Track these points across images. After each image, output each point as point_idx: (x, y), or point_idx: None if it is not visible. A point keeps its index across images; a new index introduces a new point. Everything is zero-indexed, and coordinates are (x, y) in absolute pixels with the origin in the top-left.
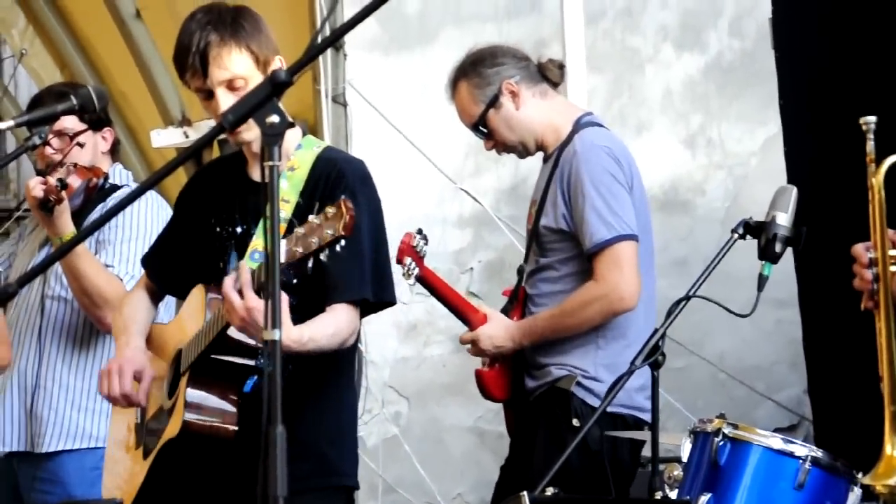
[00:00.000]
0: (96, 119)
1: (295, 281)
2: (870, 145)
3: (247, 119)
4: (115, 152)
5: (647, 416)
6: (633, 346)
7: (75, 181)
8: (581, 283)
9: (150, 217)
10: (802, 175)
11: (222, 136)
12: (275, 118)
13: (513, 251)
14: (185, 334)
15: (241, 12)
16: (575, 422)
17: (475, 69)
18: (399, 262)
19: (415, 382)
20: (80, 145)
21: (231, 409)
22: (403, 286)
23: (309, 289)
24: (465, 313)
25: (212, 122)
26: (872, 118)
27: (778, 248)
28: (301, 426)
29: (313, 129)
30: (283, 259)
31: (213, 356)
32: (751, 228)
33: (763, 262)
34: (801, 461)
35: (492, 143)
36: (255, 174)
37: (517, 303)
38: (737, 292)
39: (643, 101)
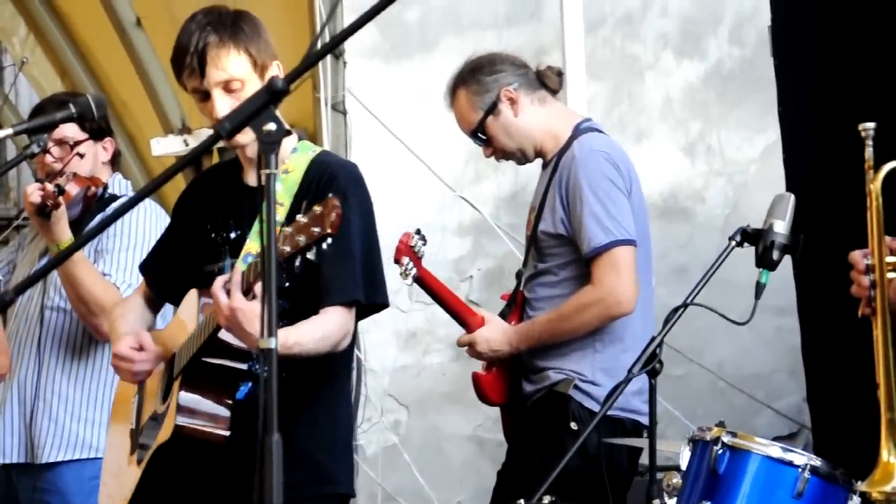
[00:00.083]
0: (97, 128)
1: (287, 284)
2: (868, 151)
3: (244, 127)
4: (115, 163)
5: (644, 420)
6: (631, 350)
7: (73, 188)
8: (579, 287)
9: (148, 226)
10: (801, 182)
11: (221, 144)
12: (272, 126)
13: (512, 259)
14: (179, 339)
15: (241, 15)
16: (573, 425)
17: (474, 76)
18: (397, 261)
19: (414, 391)
20: (80, 155)
21: (223, 413)
22: (403, 295)
23: (301, 293)
24: (462, 316)
25: (212, 132)
26: (871, 124)
27: (775, 255)
28: (295, 434)
29: (313, 137)
30: None
31: (204, 359)
32: (748, 236)
33: (760, 269)
34: (799, 470)
35: (491, 150)
36: (250, 179)
37: (515, 307)
38: (736, 300)
39: (643, 109)
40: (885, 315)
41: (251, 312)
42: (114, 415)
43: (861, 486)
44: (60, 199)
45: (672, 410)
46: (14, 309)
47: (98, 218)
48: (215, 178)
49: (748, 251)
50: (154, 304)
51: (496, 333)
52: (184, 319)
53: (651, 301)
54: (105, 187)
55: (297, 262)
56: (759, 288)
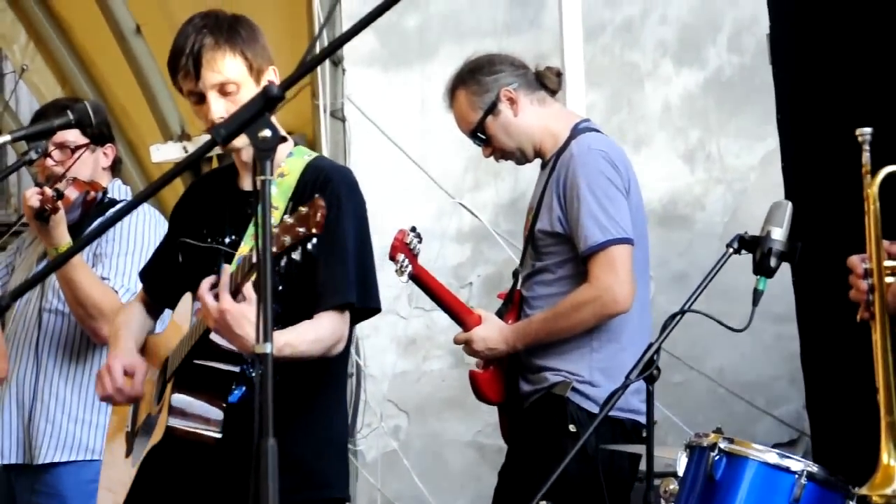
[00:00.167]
0: (98, 134)
1: (280, 288)
2: (865, 156)
3: (239, 134)
4: (115, 169)
5: (643, 419)
6: (628, 349)
7: (72, 193)
8: (576, 285)
9: (147, 231)
10: (800, 190)
11: (218, 151)
12: (267, 132)
13: (512, 265)
14: (174, 342)
15: (238, 20)
16: (572, 428)
17: (473, 77)
18: (392, 258)
19: (414, 397)
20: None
21: (216, 415)
22: (403, 301)
23: (295, 297)
24: (459, 314)
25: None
26: (868, 129)
27: (773, 262)
28: (289, 438)
29: (311, 144)
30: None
31: (196, 362)
32: (746, 243)
33: (758, 276)
34: (796, 476)
35: (490, 150)
36: (246, 184)
37: (512, 306)
38: (736, 307)
39: (642, 117)
40: (884, 319)
41: (240, 314)
42: (113, 417)
43: (862, 489)
44: (59, 203)
45: (672, 417)
46: (12, 312)
47: (97, 223)
48: (211, 183)
49: (748, 259)
50: (153, 310)
51: (493, 332)
52: (178, 322)
53: (648, 301)
54: (104, 192)
55: (283, 262)
56: (757, 295)
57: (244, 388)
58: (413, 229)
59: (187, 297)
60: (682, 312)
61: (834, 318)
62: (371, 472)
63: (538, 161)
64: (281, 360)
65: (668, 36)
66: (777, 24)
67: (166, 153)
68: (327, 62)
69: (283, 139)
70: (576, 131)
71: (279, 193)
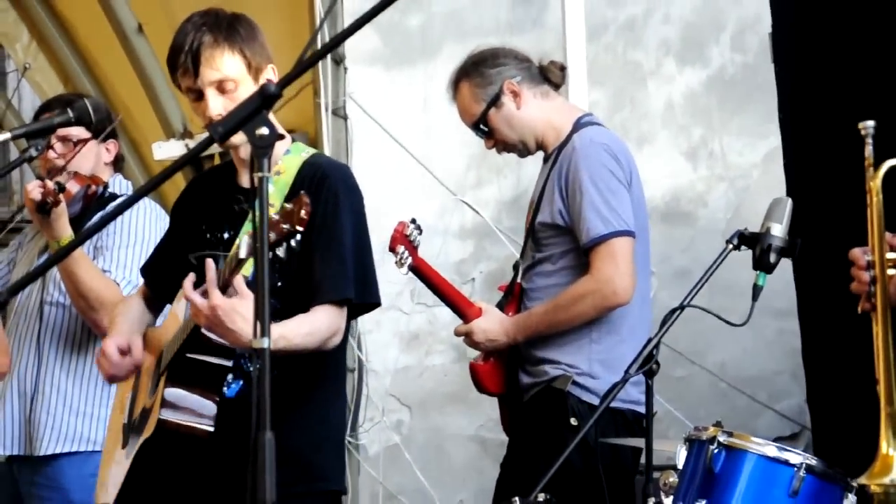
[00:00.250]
0: (101, 129)
1: (279, 284)
2: (868, 149)
3: (236, 131)
4: (118, 166)
5: (643, 409)
6: (628, 341)
7: (74, 186)
8: (576, 277)
9: (147, 225)
10: (801, 187)
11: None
12: (264, 130)
13: (514, 262)
14: (171, 334)
15: (238, 18)
16: (573, 421)
17: (477, 69)
18: (392, 250)
19: (416, 391)
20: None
21: (209, 408)
22: (405, 296)
23: (293, 293)
24: (459, 306)
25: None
26: (871, 122)
27: (772, 258)
28: (285, 432)
29: (314, 142)
30: (243, 254)
31: (189, 355)
32: (746, 239)
33: (757, 272)
34: (795, 469)
35: (492, 143)
36: (244, 181)
37: (512, 297)
38: (738, 302)
39: (645, 115)
40: (886, 310)
41: (231, 309)
42: (114, 409)
43: (861, 479)
44: (61, 196)
45: (673, 412)
46: (14, 305)
47: (98, 216)
48: (211, 179)
49: (750, 255)
50: (154, 306)
51: (493, 324)
52: (177, 314)
53: (648, 294)
54: (105, 186)
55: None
56: (756, 290)
57: (241, 383)
58: (413, 221)
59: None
60: (682, 307)
61: (835, 314)
62: (373, 465)
63: (541, 157)
64: (276, 353)
65: (671, 35)
66: (779, 23)
67: (168, 151)
68: (329, 60)
69: (281, 137)
70: (578, 125)
71: (275, 191)
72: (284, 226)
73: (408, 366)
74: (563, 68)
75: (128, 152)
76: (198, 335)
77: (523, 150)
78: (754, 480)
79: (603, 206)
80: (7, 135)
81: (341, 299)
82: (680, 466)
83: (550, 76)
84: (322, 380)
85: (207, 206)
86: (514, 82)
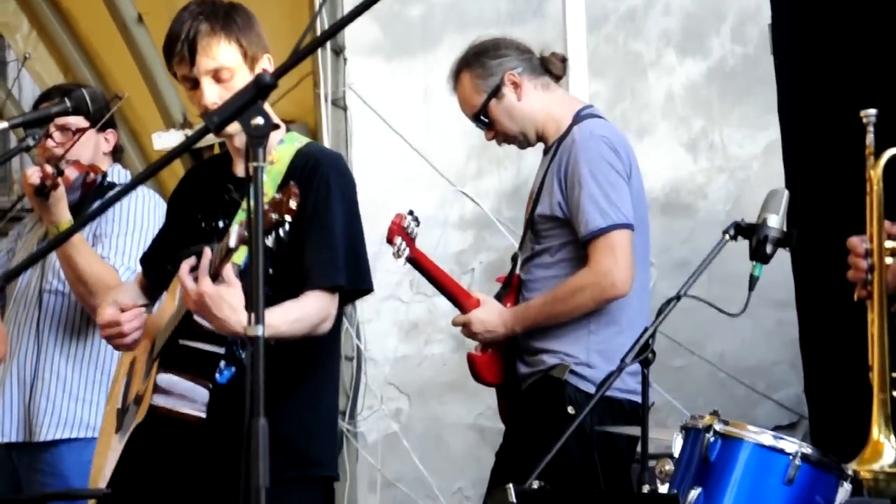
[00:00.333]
0: (100, 119)
1: (271, 271)
2: (869, 137)
3: (232, 121)
4: (117, 157)
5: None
6: (626, 332)
7: (72, 173)
8: (575, 269)
9: (147, 213)
10: (800, 179)
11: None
12: (259, 120)
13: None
14: (164, 322)
15: (234, 7)
16: (570, 410)
17: (478, 59)
18: (389, 241)
19: (415, 380)
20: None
21: (201, 395)
22: (404, 286)
23: (285, 281)
24: (457, 297)
25: None
26: (873, 111)
27: (769, 249)
28: (277, 418)
29: (313, 133)
30: (233, 243)
31: (181, 342)
32: (742, 230)
33: (754, 262)
34: (790, 457)
35: (492, 134)
36: (239, 170)
37: (511, 289)
38: (737, 293)
39: (645, 106)
40: (883, 298)
41: (218, 297)
42: (109, 395)
43: (851, 464)
44: (59, 179)
45: (673, 402)
46: (13, 293)
47: (96, 205)
48: (207, 169)
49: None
50: (151, 294)
51: (492, 315)
52: (171, 300)
53: (647, 286)
54: (104, 175)
55: None
56: (753, 280)
57: (234, 369)
58: (410, 212)
59: (178, 278)
60: (678, 297)
61: (833, 305)
62: (372, 453)
63: (541, 148)
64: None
65: (672, 26)
66: (778, 14)
67: (168, 141)
68: (329, 51)
69: (276, 126)
70: (578, 117)
71: (269, 180)
72: (273, 215)
73: (407, 355)
74: (563, 60)
75: (128, 142)
76: (190, 321)
77: (524, 142)
78: (750, 469)
79: (602, 198)
80: (4, 124)
81: (331, 286)
82: (676, 454)
83: (551, 67)
84: (313, 366)
85: (203, 195)
86: (515, 73)
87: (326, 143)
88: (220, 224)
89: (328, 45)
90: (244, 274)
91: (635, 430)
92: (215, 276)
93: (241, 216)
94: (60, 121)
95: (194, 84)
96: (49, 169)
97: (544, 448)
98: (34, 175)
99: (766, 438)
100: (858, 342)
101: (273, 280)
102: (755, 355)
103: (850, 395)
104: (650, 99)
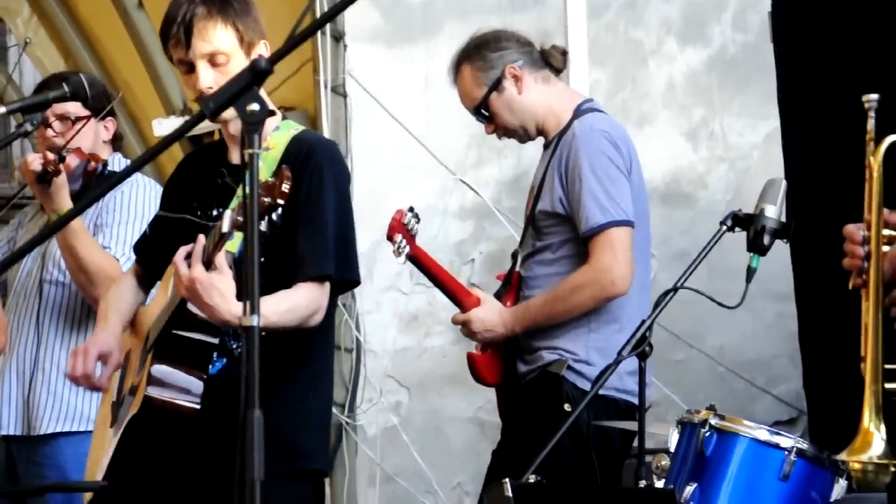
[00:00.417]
0: (99, 107)
1: (262, 259)
2: (870, 123)
3: (228, 107)
4: (116, 145)
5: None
6: (626, 330)
7: (73, 160)
8: (576, 266)
9: (147, 202)
10: (799, 169)
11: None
12: (255, 106)
13: (514, 243)
14: (155, 314)
15: None
16: (567, 406)
17: (479, 52)
18: (389, 238)
19: (415, 373)
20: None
21: (195, 385)
22: (404, 277)
23: (276, 270)
24: (457, 295)
25: None
26: (875, 95)
27: (766, 240)
28: (267, 410)
29: (313, 120)
30: (226, 227)
31: (174, 332)
32: (739, 221)
33: (751, 254)
34: (786, 452)
35: (493, 127)
36: (234, 157)
37: (511, 287)
38: (737, 285)
39: (646, 94)
40: (878, 287)
41: (209, 284)
42: (106, 390)
43: (841, 454)
44: (61, 166)
45: (671, 395)
46: (13, 284)
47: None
48: (202, 157)
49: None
50: (147, 283)
51: (492, 314)
52: (164, 291)
53: (648, 283)
54: (105, 164)
55: None
56: (750, 272)
57: (225, 360)
58: (411, 209)
59: (171, 267)
60: (675, 289)
61: (832, 297)
62: (371, 447)
63: (541, 139)
64: None
65: (673, 14)
66: (779, 2)
67: (169, 127)
68: (329, 37)
69: (272, 113)
70: (578, 112)
71: (263, 166)
72: (265, 199)
73: (407, 347)
74: (564, 53)
75: (128, 129)
76: (183, 311)
77: (524, 136)
78: (745, 464)
79: (602, 194)
80: (2, 109)
81: (322, 276)
82: (672, 449)
83: (552, 61)
84: (304, 358)
85: (198, 183)
86: (516, 66)
87: (326, 130)
88: (215, 212)
89: (328, 31)
90: (239, 262)
91: (632, 425)
92: (208, 262)
93: (235, 203)
94: (60, 110)
95: (190, 68)
96: (51, 156)
97: (538, 444)
98: (35, 162)
99: (762, 434)
100: (858, 336)
101: (264, 267)
102: (755, 349)
103: (849, 390)
104: (651, 87)
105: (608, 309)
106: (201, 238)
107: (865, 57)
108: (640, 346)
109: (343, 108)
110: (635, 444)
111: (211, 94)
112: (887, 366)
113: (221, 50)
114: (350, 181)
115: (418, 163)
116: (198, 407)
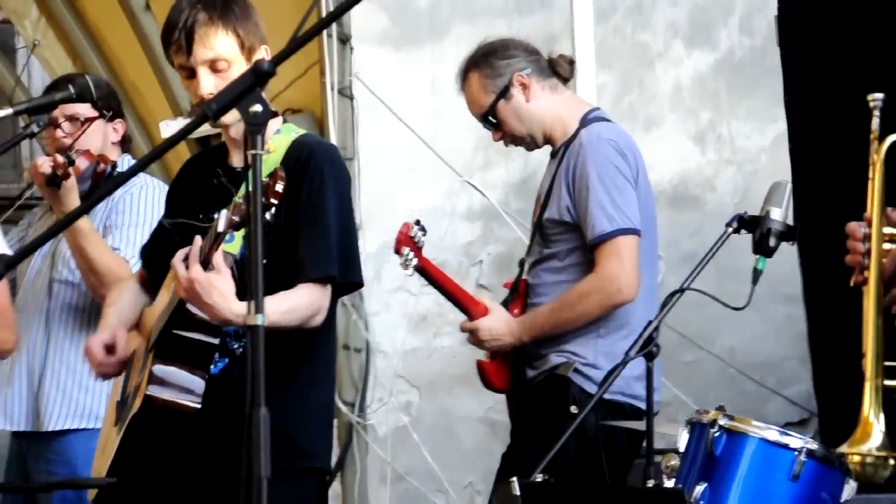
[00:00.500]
0: (107, 108)
1: (265, 261)
2: (875, 122)
3: (230, 109)
4: (125, 146)
5: (644, 405)
6: (634, 336)
7: (83, 163)
8: (583, 273)
9: (157, 205)
10: (807, 171)
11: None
12: (258, 108)
13: (522, 245)
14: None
15: None
16: (573, 408)
17: (487, 60)
18: (397, 252)
19: (425, 373)
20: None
21: (196, 385)
22: (413, 278)
23: (277, 271)
24: (465, 304)
25: None
26: (880, 94)
27: (772, 242)
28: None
29: (320, 122)
30: (222, 227)
31: (175, 332)
32: (745, 223)
33: (757, 256)
34: (796, 453)
35: (500, 135)
36: (235, 160)
37: (518, 296)
38: (746, 288)
39: (653, 98)
40: (879, 284)
41: (208, 284)
42: (113, 389)
43: (842, 447)
44: (70, 169)
45: (682, 396)
46: (24, 283)
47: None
48: (204, 161)
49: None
50: (151, 287)
51: (500, 323)
52: (166, 293)
53: (655, 289)
54: (114, 166)
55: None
56: (756, 274)
57: (227, 360)
58: (417, 222)
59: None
60: (682, 291)
61: (841, 299)
62: (382, 446)
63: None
64: None
65: (680, 17)
66: (785, 5)
67: (176, 129)
68: (335, 40)
69: (274, 114)
70: (585, 120)
71: (265, 169)
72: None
73: (416, 347)
74: (571, 62)
75: (136, 130)
76: (183, 311)
77: (531, 143)
78: (755, 464)
79: (609, 203)
80: (9, 110)
81: (324, 277)
82: (681, 449)
83: (559, 69)
84: (307, 358)
85: (200, 187)
86: (523, 75)
87: (333, 132)
88: (216, 215)
89: (335, 34)
90: (241, 263)
91: (640, 425)
92: (206, 262)
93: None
94: (69, 111)
95: (191, 73)
96: (60, 158)
97: (545, 446)
98: (45, 165)
99: (772, 434)
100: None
101: (265, 269)
102: (765, 350)
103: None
104: (658, 91)
105: (616, 315)
106: (198, 239)
107: (871, 60)
108: (647, 347)
109: (350, 110)
110: (645, 443)
111: (213, 95)
112: (887, 363)
113: (222, 56)
114: (350, 184)
115: (425, 165)
116: (199, 406)
